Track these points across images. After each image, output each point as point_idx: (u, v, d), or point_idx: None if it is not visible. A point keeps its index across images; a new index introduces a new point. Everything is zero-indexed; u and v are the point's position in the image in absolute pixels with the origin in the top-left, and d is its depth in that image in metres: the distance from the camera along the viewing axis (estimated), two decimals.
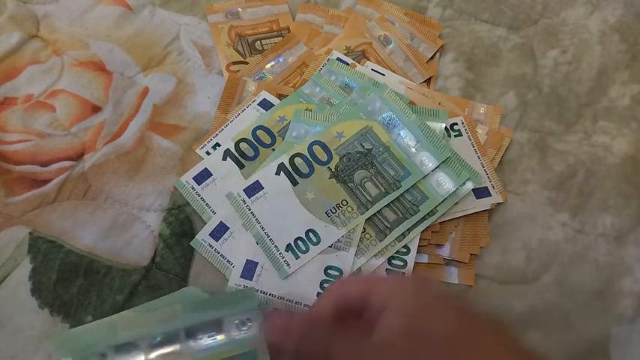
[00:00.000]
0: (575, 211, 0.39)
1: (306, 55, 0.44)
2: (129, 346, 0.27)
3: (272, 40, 0.45)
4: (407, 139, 0.37)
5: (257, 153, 0.38)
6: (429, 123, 0.37)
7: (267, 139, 0.39)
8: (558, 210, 0.39)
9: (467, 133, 0.40)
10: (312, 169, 0.37)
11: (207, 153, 0.39)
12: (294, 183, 0.36)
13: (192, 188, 0.37)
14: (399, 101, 0.38)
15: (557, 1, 0.48)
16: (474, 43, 0.46)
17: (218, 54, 0.43)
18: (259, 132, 0.39)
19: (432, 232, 0.36)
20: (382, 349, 0.25)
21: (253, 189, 0.36)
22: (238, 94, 0.41)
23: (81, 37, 0.43)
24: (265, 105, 0.40)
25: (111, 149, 0.39)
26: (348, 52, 0.44)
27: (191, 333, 0.28)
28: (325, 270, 0.35)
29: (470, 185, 0.37)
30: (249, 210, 0.36)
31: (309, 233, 0.35)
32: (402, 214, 0.36)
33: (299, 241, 0.35)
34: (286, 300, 0.34)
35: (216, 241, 0.36)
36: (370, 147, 0.37)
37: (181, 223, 0.37)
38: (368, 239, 0.36)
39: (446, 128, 0.40)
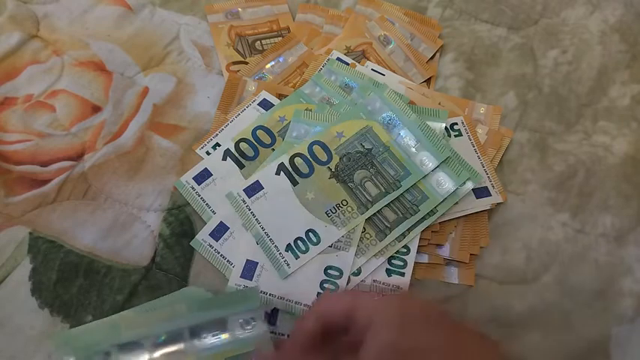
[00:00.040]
0: (576, 211, 0.39)
1: (306, 55, 0.44)
2: (133, 345, 0.27)
3: (272, 40, 0.45)
4: (407, 138, 0.37)
5: (257, 153, 0.38)
6: (429, 123, 0.37)
7: (267, 139, 0.39)
8: (558, 210, 0.39)
9: (467, 133, 0.40)
10: (312, 169, 0.37)
11: (207, 153, 0.39)
12: (294, 183, 0.36)
13: (192, 188, 0.37)
14: (399, 101, 0.38)
15: (557, 1, 0.48)
16: (474, 43, 0.46)
17: (218, 54, 0.43)
18: (259, 132, 0.39)
19: (432, 232, 0.36)
20: None
21: (253, 189, 0.36)
22: (238, 94, 0.41)
23: (81, 37, 0.43)
24: (265, 105, 0.40)
25: (111, 149, 0.39)
26: (348, 52, 0.44)
27: (195, 332, 0.28)
28: (325, 270, 0.35)
29: (470, 185, 0.36)
30: (249, 210, 0.36)
31: (309, 233, 0.35)
32: (402, 214, 0.36)
33: (299, 241, 0.35)
34: (286, 300, 0.34)
35: (216, 241, 0.36)
36: (370, 147, 0.37)
37: (181, 223, 0.37)
38: (368, 239, 0.36)
39: (446, 128, 0.40)
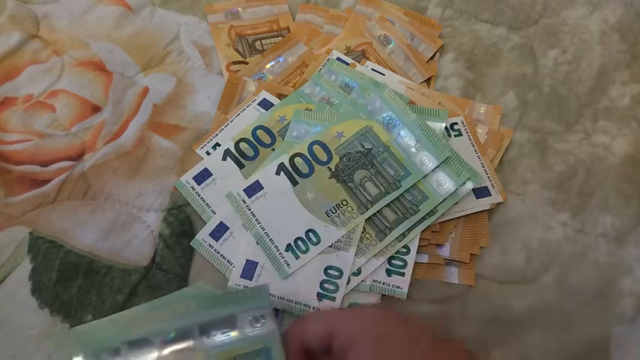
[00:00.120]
0: (576, 211, 0.39)
1: (306, 55, 0.44)
2: (142, 342, 0.27)
3: (272, 40, 0.45)
4: (407, 138, 0.37)
5: (257, 153, 0.38)
6: (429, 123, 0.37)
7: (267, 139, 0.39)
8: (558, 210, 0.39)
9: (467, 132, 0.40)
10: (312, 169, 0.37)
11: (207, 153, 0.39)
12: (294, 183, 0.36)
13: (192, 188, 0.37)
14: (399, 101, 0.38)
15: (557, 1, 0.48)
16: (474, 42, 0.46)
17: (218, 54, 0.43)
18: (259, 132, 0.39)
19: (432, 232, 0.36)
20: None
21: (253, 189, 0.36)
22: (238, 94, 0.41)
23: (81, 37, 0.43)
24: (265, 105, 0.40)
25: (111, 149, 0.39)
26: (348, 51, 0.44)
27: (204, 329, 0.28)
28: (325, 270, 0.35)
29: (470, 185, 0.36)
30: (249, 210, 0.36)
31: (309, 233, 0.35)
32: (402, 214, 0.36)
33: (299, 241, 0.35)
34: (286, 300, 0.34)
35: (216, 241, 0.36)
36: (370, 147, 0.37)
37: (181, 223, 0.37)
38: (368, 239, 0.36)
39: (446, 128, 0.40)
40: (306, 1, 0.47)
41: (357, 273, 0.35)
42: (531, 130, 0.42)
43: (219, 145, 0.39)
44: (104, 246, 0.36)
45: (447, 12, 0.47)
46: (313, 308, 0.34)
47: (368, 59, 0.43)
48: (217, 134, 0.39)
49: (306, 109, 0.39)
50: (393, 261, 0.36)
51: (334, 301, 0.34)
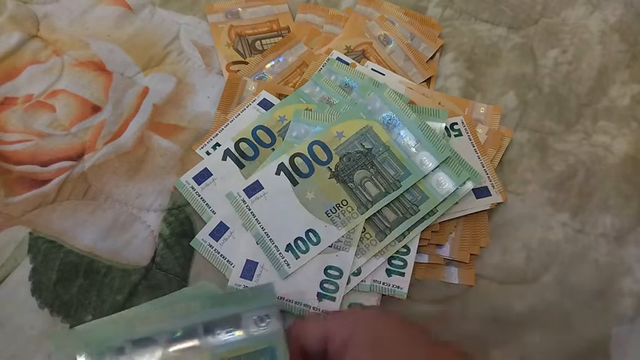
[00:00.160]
0: (576, 211, 0.39)
1: (306, 54, 0.44)
2: (147, 341, 0.27)
3: (272, 40, 0.45)
4: (407, 138, 0.37)
5: (257, 153, 0.38)
6: (429, 123, 0.37)
7: (267, 139, 0.39)
8: (558, 210, 0.39)
9: (467, 132, 0.40)
10: (312, 169, 0.37)
11: (207, 153, 0.39)
12: (294, 183, 0.36)
13: (192, 188, 0.37)
14: (399, 101, 0.38)
15: (557, 1, 0.48)
16: (474, 42, 0.46)
17: (218, 54, 0.43)
18: (259, 132, 0.39)
19: (432, 232, 0.36)
20: None
21: (253, 189, 0.36)
22: (238, 94, 0.41)
23: (81, 37, 0.43)
24: (265, 105, 0.40)
25: (111, 149, 0.39)
26: (348, 51, 0.44)
27: (209, 328, 0.28)
28: (325, 270, 0.35)
29: (470, 185, 0.36)
30: (249, 210, 0.36)
31: (309, 233, 0.35)
32: (402, 214, 0.36)
33: (299, 241, 0.35)
34: (286, 300, 0.34)
35: (216, 241, 0.36)
36: (370, 147, 0.37)
37: (181, 223, 0.37)
38: (368, 239, 0.36)
39: (446, 128, 0.40)
40: (306, 1, 0.47)
41: (357, 273, 0.35)
42: (531, 130, 0.42)
43: (219, 145, 0.39)
44: (104, 246, 0.36)
45: (447, 12, 0.47)
46: (313, 308, 0.34)
47: (368, 59, 0.43)
48: (217, 134, 0.39)
49: (306, 109, 0.39)
50: (393, 261, 0.36)
51: (334, 301, 0.34)
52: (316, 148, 0.37)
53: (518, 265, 0.38)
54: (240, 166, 0.38)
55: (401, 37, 0.45)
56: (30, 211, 0.37)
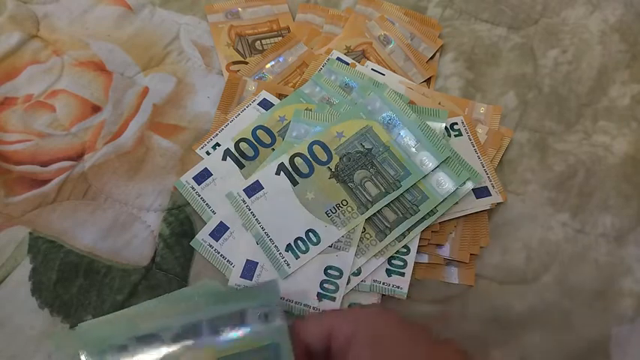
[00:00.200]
0: (576, 211, 0.39)
1: (306, 54, 0.44)
2: (151, 338, 0.27)
3: (272, 40, 0.45)
4: (407, 138, 0.37)
5: (257, 153, 0.38)
6: (429, 123, 0.37)
7: (267, 139, 0.39)
8: (558, 210, 0.39)
9: (467, 132, 0.40)
10: (312, 169, 0.37)
11: (207, 153, 0.39)
12: (294, 183, 0.36)
13: (192, 188, 0.37)
14: (399, 101, 0.38)
15: (557, 1, 0.48)
16: (474, 42, 0.46)
17: (218, 54, 0.43)
18: (259, 132, 0.39)
19: (432, 232, 0.36)
20: None
21: (253, 189, 0.36)
22: (238, 94, 0.41)
23: (81, 37, 0.43)
24: (265, 105, 0.40)
25: (111, 149, 0.39)
26: (348, 51, 0.44)
27: (214, 325, 0.28)
28: (325, 270, 0.35)
29: (470, 185, 0.36)
30: (249, 210, 0.36)
31: (309, 233, 0.35)
32: (402, 214, 0.36)
33: (299, 241, 0.35)
34: (286, 300, 0.34)
35: (216, 241, 0.36)
36: (370, 147, 0.37)
37: (181, 223, 0.37)
38: (368, 239, 0.36)
39: (446, 128, 0.40)
40: (306, 1, 0.47)
41: (357, 273, 0.35)
42: (531, 130, 0.42)
43: (219, 145, 0.39)
44: (104, 246, 0.36)
45: (447, 12, 0.47)
46: (313, 308, 0.34)
47: (368, 59, 0.43)
48: (217, 134, 0.39)
49: (306, 109, 0.39)
50: (393, 261, 0.36)
51: (334, 301, 0.34)
52: (316, 148, 0.37)
53: (518, 265, 0.38)
54: (240, 166, 0.38)
55: (401, 37, 0.45)
56: (30, 211, 0.37)
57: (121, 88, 0.41)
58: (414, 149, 0.37)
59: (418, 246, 0.36)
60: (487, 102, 0.43)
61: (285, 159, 0.37)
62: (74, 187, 0.38)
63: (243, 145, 0.38)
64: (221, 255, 0.36)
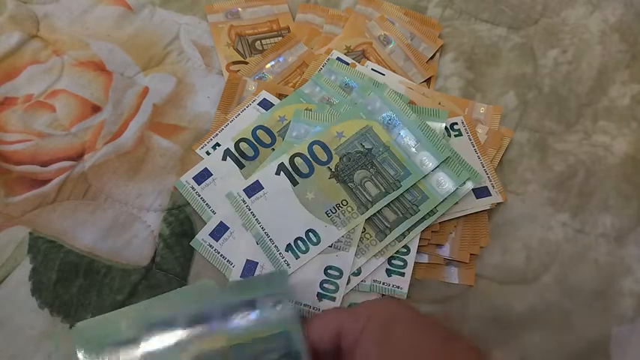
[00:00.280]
0: (576, 211, 0.39)
1: (306, 54, 0.44)
2: (162, 325, 0.27)
3: (272, 39, 0.45)
4: (407, 138, 0.37)
5: (257, 153, 0.38)
6: (429, 123, 0.37)
7: (267, 139, 0.39)
8: (558, 210, 0.39)
9: (467, 132, 0.40)
10: (312, 169, 0.37)
11: (207, 153, 0.39)
12: (294, 183, 0.36)
13: (192, 188, 0.37)
14: (399, 101, 0.38)
15: (557, 1, 0.48)
16: (474, 42, 0.46)
17: (218, 54, 0.43)
18: (259, 132, 0.39)
19: (432, 232, 0.36)
20: None
21: (253, 189, 0.36)
22: (238, 94, 0.41)
23: (81, 37, 0.43)
24: (265, 105, 0.40)
25: (111, 149, 0.39)
26: (348, 51, 0.44)
27: (225, 312, 0.28)
28: (325, 270, 0.35)
29: (470, 185, 0.36)
30: (249, 210, 0.36)
31: (309, 233, 0.35)
32: (402, 214, 0.36)
33: (299, 241, 0.35)
34: None
35: (216, 241, 0.36)
36: (370, 147, 0.37)
37: (181, 223, 0.37)
38: (368, 239, 0.36)
39: (446, 128, 0.40)
40: (306, 1, 0.47)
41: (357, 273, 0.35)
42: (531, 130, 0.42)
43: (219, 145, 0.39)
44: (104, 246, 0.36)
45: (447, 12, 0.47)
46: (313, 308, 0.34)
47: (368, 59, 0.43)
48: (217, 134, 0.39)
49: (306, 109, 0.39)
50: (393, 261, 0.36)
51: (334, 301, 0.34)
52: (316, 148, 0.37)
53: (518, 265, 0.38)
54: (240, 166, 0.38)
55: (401, 37, 0.45)
56: (30, 211, 0.37)
57: (121, 88, 0.41)
58: (414, 149, 0.37)
59: (418, 246, 0.36)
60: (487, 102, 0.43)
61: (285, 159, 0.37)
62: (74, 187, 0.38)
63: (243, 145, 0.38)
64: (221, 255, 0.36)
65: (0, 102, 0.40)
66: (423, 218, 0.36)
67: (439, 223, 0.37)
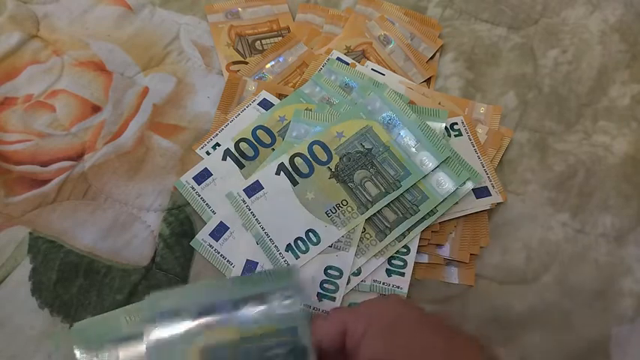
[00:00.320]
0: (576, 211, 0.39)
1: (306, 54, 0.44)
2: (172, 314, 0.27)
3: (272, 39, 0.45)
4: (407, 138, 0.37)
5: (257, 153, 0.38)
6: (429, 123, 0.37)
7: (267, 139, 0.39)
8: (558, 210, 0.39)
9: (467, 132, 0.40)
10: (312, 169, 0.37)
11: (207, 153, 0.39)
12: (294, 183, 0.36)
13: (192, 188, 0.37)
14: (399, 101, 0.38)
15: (557, 1, 0.48)
16: (474, 42, 0.46)
17: (218, 54, 0.43)
18: (259, 132, 0.39)
19: (432, 232, 0.36)
20: None
21: (253, 189, 0.36)
22: (238, 94, 0.41)
23: (81, 37, 0.43)
24: (265, 105, 0.40)
25: (111, 149, 0.39)
26: (348, 51, 0.44)
27: (236, 306, 0.28)
28: (325, 270, 0.35)
29: (470, 185, 0.36)
30: (249, 210, 0.36)
31: (309, 233, 0.35)
32: (402, 214, 0.36)
33: (299, 241, 0.35)
34: None
35: (216, 241, 0.36)
36: (370, 147, 0.37)
37: (181, 223, 0.37)
38: (368, 239, 0.35)
39: (446, 128, 0.40)
40: (306, 1, 0.47)
41: (357, 273, 0.35)
42: (531, 130, 0.42)
43: (219, 145, 0.39)
44: (104, 246, 0.36)
45: (447, 12, 0.47)
46: (313, 308, 0.34)
47: (368, 59, 0.43)
48: (217, 134, 0.39)
49: (306, 109, 0.39)
50: (393, 261, 0.36)
51: (334, 301, 0.34)
52: (316, 148, 0.37)
53: (518, 265, 0.38)
54: (240, 166, 0.38)
55: (401, 37, 0.45)
56: (30, 211, 0.37)
57: (121, 88, 0.41)
58: (414, 149, 0.37)
59: (418, 246, 0.36)
60: (487, 102, 0.43)
61: (285, 159, 0.37)
62: (74, 187, 0.38)
63: (243, 145, 0.38)
64: (221, 255, 0.36)
65: (0, 102, 0.40)
66: (423, 218, 0.36)
67: (439, 223, 0.37)
